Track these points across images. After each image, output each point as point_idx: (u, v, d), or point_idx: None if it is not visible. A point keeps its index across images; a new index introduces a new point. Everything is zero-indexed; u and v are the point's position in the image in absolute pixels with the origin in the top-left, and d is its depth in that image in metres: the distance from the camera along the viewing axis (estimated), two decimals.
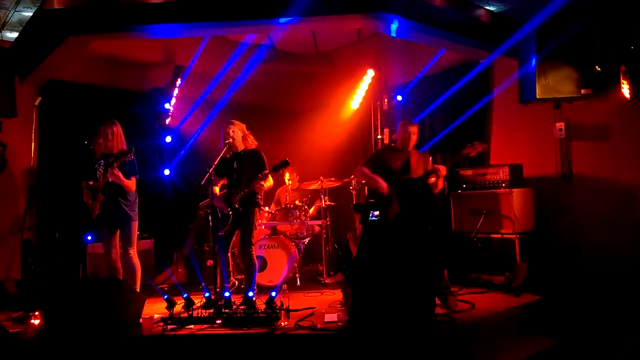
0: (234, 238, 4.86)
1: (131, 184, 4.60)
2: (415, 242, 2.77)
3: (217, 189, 4.76)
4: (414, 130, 4.83)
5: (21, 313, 4.30)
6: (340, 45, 7.58)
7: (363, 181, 4.88)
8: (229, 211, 4.62)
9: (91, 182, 4.62)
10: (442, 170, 4.65)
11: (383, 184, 4.63)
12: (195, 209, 5.84)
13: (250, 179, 4.62)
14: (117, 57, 6.46)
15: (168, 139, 6.84)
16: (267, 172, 4.58)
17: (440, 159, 6.04)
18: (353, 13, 4.65)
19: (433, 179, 4.67)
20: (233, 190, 4.68)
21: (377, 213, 3.14)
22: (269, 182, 4.74)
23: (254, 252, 4.78)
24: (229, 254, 4.91)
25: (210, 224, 4.52)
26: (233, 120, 4.85)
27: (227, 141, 4.69)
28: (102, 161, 4.59)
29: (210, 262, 5.81)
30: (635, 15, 4.71)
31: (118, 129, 4.66)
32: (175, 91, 6.82)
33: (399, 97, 6.74)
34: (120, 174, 4.46)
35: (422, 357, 2.66)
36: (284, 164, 4.50)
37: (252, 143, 4.86)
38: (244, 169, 4.71)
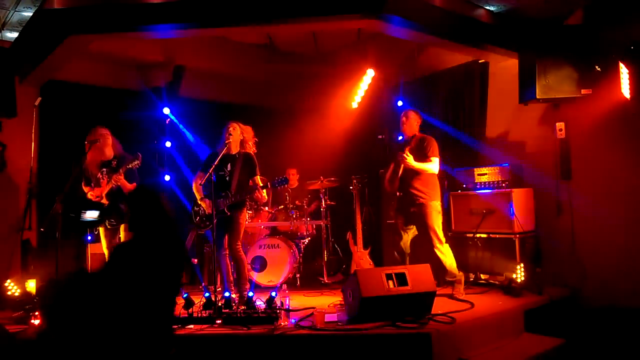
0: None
1: (133, 188, 4.61)
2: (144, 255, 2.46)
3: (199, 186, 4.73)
4: (404, 116, 5.04)
5: (21, 313, 4.29)
6: (340, 45, 7.59)
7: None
8: (215, 212, 4.59)
9: (91, 189, 4.62)
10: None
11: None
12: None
13: (242, 184, 4.63)
14: (117, 57, 6.47)
15: (168, 144, 6.83)
16: (267, 186, 4.58)
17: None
18: (354, 13, 4.65)
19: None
20: (222, 193, 4.62)
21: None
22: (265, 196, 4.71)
23: (241, 249, 4.73)
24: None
25: (211, 222, 4.54)
26: (238, 122, 4.81)
27: (227, 141, 4.67)
28: (104, 169, 4.60)
29: (194, 260, 5.82)
30: (635, 15, 4.71)
31: (108, 134, 4.68)
32: (175, 91, 6.82)
33: (400, 103, 6.74)
34: (124, 181, 4.47)
35: None
36: (284, 182, 4.54)
37: (250, 149, 4.82)
38: (237, 173, 4.68)
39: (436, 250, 4.70)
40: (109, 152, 4.64)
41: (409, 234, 4.93)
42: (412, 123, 4.98)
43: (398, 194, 4.90)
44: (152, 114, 6.71)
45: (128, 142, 4.78)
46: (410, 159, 4.68)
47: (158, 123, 6.78)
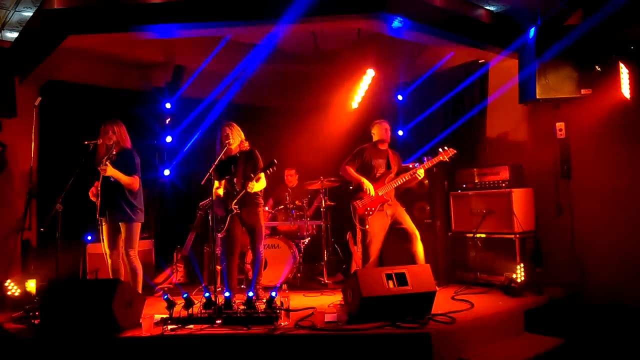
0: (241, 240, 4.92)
1: (131, 181, 4.58)
2: None
3: (220, 191, 4.78)
4: (389, 127, 5.14)
5: (21, 313, 4.30)
6: (340, 45, 7.59)
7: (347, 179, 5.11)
8: (226, 213, 4.66)
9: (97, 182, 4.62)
10: (421, 173, 4.87)
11: (369, 186, 4.91)
12: (195, 209, 5.84)
13: (246, 180, 4.66)
14: (117, 57, 6.47)
15: (168, 139, 6.83)
16: (258, 172, 4.63)
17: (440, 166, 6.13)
18: (353, 13, 4.64)
19: (405, 179, 4.91)
20: (229, 192, 4.72)
21: None
22: (262, 183, 4.75)
23: (262, 250, 4.91)
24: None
25: (211, 224, 4.56)
26: (232, 122, 4.87)
27: (226, 142, 4.70)
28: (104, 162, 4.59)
29: (219, 268, 5.83)
30: (635, 15, 4.71)
31: (121, 129, 4.64)
32: (176, 91, 6.82)
33: (400, 97, 6.75)
34: (111, 168, 4.43)
35: None
36: (271, 164, 4.56)
37: (246, 146, 4.88)
38: (240, 171, 4.74)
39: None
40: (121, 146, 4.61)
41: None
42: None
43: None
44: (153, 112, 6.72)
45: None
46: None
47: (158, 121, 6.78)
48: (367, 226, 4.89)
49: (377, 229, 4.90)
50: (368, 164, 5.04)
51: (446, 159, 4.91)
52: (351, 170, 5.03)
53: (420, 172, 4.87)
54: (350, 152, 5.21)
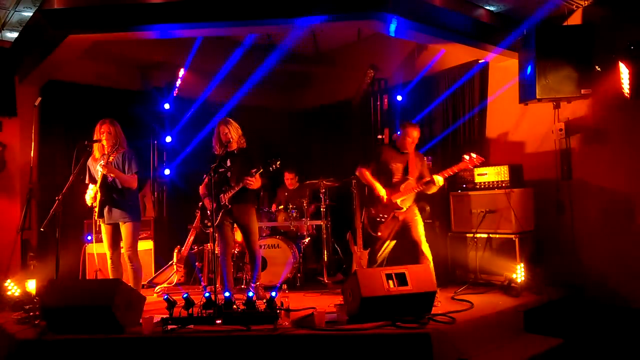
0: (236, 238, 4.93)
1: (130, 180, 4.58)
2: None
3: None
4: (416, 132, 4.73)
5: (21, 313, 4.29)
6: (340, 45, 7.59)
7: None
8: (219, 209, 4.67)
9: (93, 184, 4.61)
10: (440, 181, 4.59)
11: (382, 191, 4.64)
12: (195, 209, 5.84)
13: (241, 177, 4.65)
14: (117, 57, 6.48)
15: (168, 139, 6.84)
16: (260, 168, 4.60)
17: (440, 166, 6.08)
18: (353, 13, 4.64)
19: (422, 187, 4.65)
20: (223, 188, 4.72)
21: None
22: (257, 182, 4.72)
23: (258, 248, 4.91)
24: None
25: (209, 223, 4.56)
26: (229, 119, 4.85)
27: (225, 141, 4.70)
28: (102, 161, 4.59)
29: (199, 264, 5.84)
30: (635, 15, 4.71)
31: (117, 128, 4.63)
32: (175, 91, 6.83)
33: (399, 97, 6.76)
34: (110, 166, 4.44)
35: None
36: (273, 162, 4.54)
37: (244, 143, 4.89)
38: (236, 168, 4.74)
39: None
40: (109, 147, 4.60)
41: None
42: (417, 140, 4.72)
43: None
44: (152, 112, 6.73)
45: (129, 141, 4.77)
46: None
47: (158, 120, 6.79)
48: (378, 233, 4.71)
49: (387, 236, 4.73)
50: (385, 166, 4.73)
51: (470, 167, 4.66)
52: (366, 174, 4.73)
53: (440, 180, 4.57)
54: (350, 152, 5.17)
